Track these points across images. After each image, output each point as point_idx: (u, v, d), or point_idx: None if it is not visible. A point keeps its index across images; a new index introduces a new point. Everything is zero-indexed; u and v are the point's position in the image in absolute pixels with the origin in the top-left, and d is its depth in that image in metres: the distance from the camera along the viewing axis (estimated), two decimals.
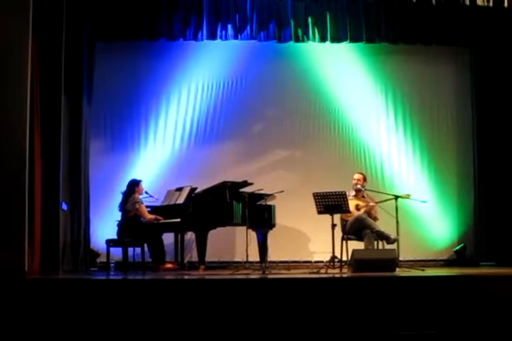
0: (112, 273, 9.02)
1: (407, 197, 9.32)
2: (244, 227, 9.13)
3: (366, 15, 10.69)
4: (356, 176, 9.83)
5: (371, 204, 9.56)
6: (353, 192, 9.72)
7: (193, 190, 9.62)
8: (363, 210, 9.49)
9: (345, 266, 8.88)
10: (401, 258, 8.92)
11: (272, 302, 6.71)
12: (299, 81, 11.19)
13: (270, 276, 8.28)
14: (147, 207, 9.68)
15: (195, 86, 11.11)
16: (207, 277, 7.95)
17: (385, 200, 9.39)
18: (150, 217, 9.46)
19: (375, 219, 9.49)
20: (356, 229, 9.34)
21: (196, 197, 9.48)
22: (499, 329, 6.75)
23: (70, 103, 9.85)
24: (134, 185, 9.59)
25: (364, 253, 8.75)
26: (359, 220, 9.30)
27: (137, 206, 9.41)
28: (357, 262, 8.31)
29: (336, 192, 9.02)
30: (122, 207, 9.48)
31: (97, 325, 6.55)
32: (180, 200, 9.47)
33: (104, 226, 10.13)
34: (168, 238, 9.92)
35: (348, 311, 6.72)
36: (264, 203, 9.44)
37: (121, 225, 9.44)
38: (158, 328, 6.56)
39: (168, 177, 10.72)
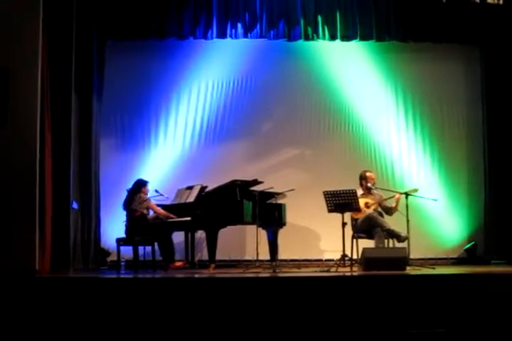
0: (122, 272, 9.02)
1: (415, 191, 9.30)
2: (255, 226, 9.15)
3: (376, 13, 10.67)
4: (370, 174, 9.76)
5: (383, 197, 9.57)
6: (361, 191, 9.67)
7: (203, 188, 9.62)
8: (372, 208, 9.47)
9: (356, 265, 8.87)
10: (411, 257, 8.89)
11: (283, 301, 6.72)
12: (308, 79, 11.17)
13: (280, 275, 8.31)
14: (157, 205, 9.69)
15: (205, 84, 11.11)
16: (217, 275, 7.97)
17: (393, 197, 9.42)
18: (162, 212, 9.46)
19: (394, 209, 9.46)
20: (367, 228, 9.32)
21: (206, 196, 9.49)
22: (509, 328, 6.74)
23: (80, 101, 9.88)
24: (140, 185, 9.57)
25: (374, 251, 8.74)
26: (370, 218, 9.28)
27: (146, 204, 9.41)
28: (367, 260, 8.30)
29: (346, 190, 9.01)
30: (127, 206, 9.46)
31: (107, 323, 6.57)
32: (191, 199, 9.47)
33: (115, 225, 10.10)
34: (178, 236, 9.93)
35: (358, 309, 6.73)
36: (274, 202, 9.44)
37: (128, 225, 9.43)
38: (168, 326, 6.57)
39: (179, 175, 10.71)
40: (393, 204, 9.45)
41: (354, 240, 9.34)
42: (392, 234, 9.14)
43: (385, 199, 9.56)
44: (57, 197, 8.91)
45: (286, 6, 10.52)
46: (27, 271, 7.43)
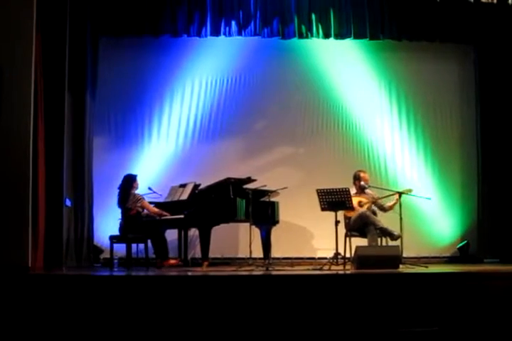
0: (115, 270, 9.03)
1: (409, 191, 9.31)
2: (248, 224, 9.14)
3: (370, 11, 10.68)
4: (364, 175, 9.70)
5: (375, 196, 9.56)
6: (354, 190, 9.65)
7: (196, 186, 9.62)
8: (366, 207, 9.47)
9: (349, 263, 8.87)
10: (404, 255, 8.89)
11: (276, 299, 6.71)
12: (302, 77, 11.18)
13: (273, 273, 8.30)
14: (151, 203, 9.68)
15: (198, 82, 11.11)
16: (210, 273, 7.97)
17: (387, 196, 9.42)
18: (155, 210, 9.46)
19: (390, 208, 9.44)
20: (360, 226, 9.31)
21: (200, 194, 9.49)
22: (502, 326, 6.75)
23: (74, 99, 9.85)
24: (131, 180, 9.49)
25: (367, 249, 8.74)
26: (362, 217, 9.27)
27: (139, 204, 9.40)
28: (360, 259, 8.31)
29: (339, 188, 9.00)
30: (122, 204, 9.42)
31: (100, 321, 6.56)
32: (184, 196, 9.47)
33: (108, 223, 10.11)
34: (171, 234, 9.92)
35: (351, 308, 6.73)
36: (267, 199, 9.46)
37: (123, 222, 9.41)
38: (161, 324, 6.57)
39: (172, 173, 10.72)
40: (390, 203, 9.43)
41: (347, 238, 9.33)
42: (385, 233, 9.14)
43: (379, 198, 9.56)
44: (51, 195, 8.89)
45: (280, 4, 10.53)
46: (20, 269, 7.42)
